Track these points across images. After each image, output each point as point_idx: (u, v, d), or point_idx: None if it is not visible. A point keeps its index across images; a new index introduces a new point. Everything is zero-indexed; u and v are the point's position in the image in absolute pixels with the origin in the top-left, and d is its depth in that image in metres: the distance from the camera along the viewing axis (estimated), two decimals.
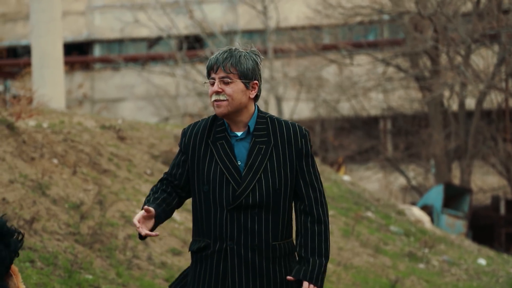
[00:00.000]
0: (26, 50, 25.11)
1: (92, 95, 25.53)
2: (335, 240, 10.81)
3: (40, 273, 6.63)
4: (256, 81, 3.90)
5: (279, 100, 22.09)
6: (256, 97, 3.92)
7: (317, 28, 22.38)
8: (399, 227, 12.46)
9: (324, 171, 14.52)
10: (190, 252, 3.95)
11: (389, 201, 14.89)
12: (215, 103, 3.86)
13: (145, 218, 3.79)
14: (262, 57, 3.96)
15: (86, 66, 26.07)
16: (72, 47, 25.39)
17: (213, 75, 3.87)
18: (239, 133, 3.90)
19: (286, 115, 22.59)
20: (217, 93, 3.84)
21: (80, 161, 9.60)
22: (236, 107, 3.86)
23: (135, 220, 3.77)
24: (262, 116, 3.93)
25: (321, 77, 23.17)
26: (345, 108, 22.91)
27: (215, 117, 3.95)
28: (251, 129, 3.89)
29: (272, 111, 22.26)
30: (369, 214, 12.61)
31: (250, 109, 3.91)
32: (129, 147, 10.88)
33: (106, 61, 25.50)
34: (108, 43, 26.52)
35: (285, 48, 21.48)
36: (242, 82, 3.86)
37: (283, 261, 3.88)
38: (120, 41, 26.26)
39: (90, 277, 7.00)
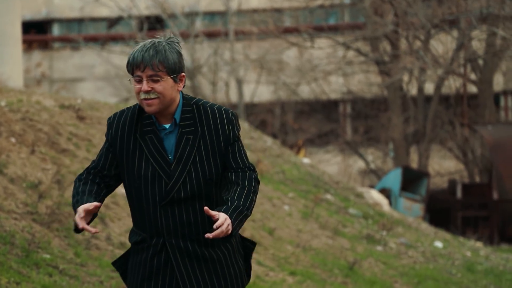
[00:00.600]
0: None
1: (50, 75, 25.27)
2: (294, 222, 10.86)
3: None
4: (183, 73, 3.80)
5: (239, 83, 22.08)
6: (183, 88, 3.84)
7: (278, 10, 22.37)
8: (357, 209, 12.55)
9: (284, 153, 14.56)
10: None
11: (348, 184, 14.99)
12: (145, 101, 3.73)
13: (87, 213, 3.70)
14: (181, 45, 3.83)
15: (45, 45, 25.77)
16: (30, 26, 25.08)
17: (138, 73, 3.70)
18: (167, 126, 3.79)
19: (246, 98, 22.59)
20: (147, 92, 3.71)
21: (38, 140, 9.51)
22: (167, 104, 3.75)
23: (81, 213, 3.65)
24: (187, 104, 3.81)
25: (281, 60, 23.21)
26: (305, 91, 22.98)
27: (140, 108, 3.82)
28: (177, 121, 3.79)
29: (233, 94, 22.25)
30: (328, 196, 12.69)
31: (176, 100, 3.80)
32: (89, 127, 10.79)
33: (65, 40, 25.24)
34: (67, 22, 26.24)
35: (246, 30, 21.46)
36: (171, 77, 3.74)
37: (223, 243, 3.82)
38: (79, 21, 26.00)
39: (48, 256, 6.95)
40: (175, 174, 3.74)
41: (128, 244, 7.83)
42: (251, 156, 12.00)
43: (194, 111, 3.80)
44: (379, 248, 11.05)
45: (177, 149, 3.76)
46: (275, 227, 10.27)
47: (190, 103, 3.81)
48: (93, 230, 3.67)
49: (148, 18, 23.28)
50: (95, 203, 3.68)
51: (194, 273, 3.78)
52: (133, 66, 3.73)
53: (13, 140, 9.17)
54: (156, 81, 3.70)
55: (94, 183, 3.81)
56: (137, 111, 3.80)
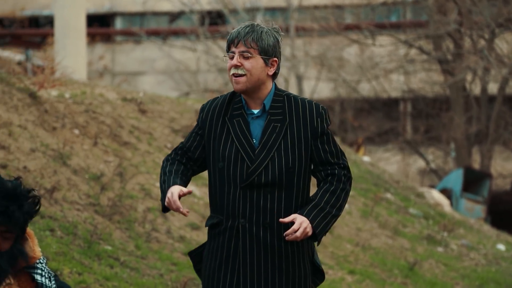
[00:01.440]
0: (48, 20, 25.12)
1: (112, 68, 25.52)
2: (354, 220, 10.76)
3: (60, 242, 6.63)
4: (275, 59, 3.85)
5: (299, 79, 22.00)
6: (275, 75, 3.87)
7: (339, 7, 22.22)
8: (418, 209, 12.39)
9: (344, 151, 14.45)
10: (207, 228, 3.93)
11: (409, 183, 14.82)
12: (234, 78, 3.81)
13: (180, 196, 3.77)
14: (283, 34, 3.92)
15: (108, 38, 26.04)
16: (93, 19, 25.36)
17: (233, 49, 3.82)
18: (255, 111, 3.85)
19: (306, 94, 22.50)
20: (236, 67, 3.80)
21: (101, 133, 9.59)
22: (254, 83, 3.81)
23: (177, 200, 3.71)
24: (279, 94, 3.87)
25: (342, 57, 23.04)
26: (366, 89, 22.79)
27: (233, 94, 3.91)
28: (267, 107, 3.84)
29: (293, 90, 22.18)
30: (389, 195, 12.55)
31: (268, 86, 3.86)
32: (150, 120, 10.85)
33: (127, 34, 25.46)
34: (130, 16, 26.47)
35: (307, 27, 21.36)
36: (262, 58, 3.81)
37: (296, 240, 3.78)
38: (141, 15, 26.19)
39: (109, 248, 7.00)
40: (258, 158, 3.78)
41: (189, 238, 7.85)
42: None
43: (284, 101, 3.86)
44: (440, 249, 10.88)
45: (263, 135, 3.81)
46: (335, 225, 10.19)
47: (282, 94, 3.88)
48: (186, 211, 3.74)
49: (209, 13, 23.34)
50: (187, 190, 3.76)
51: (258, 264, 3.77)
52: (229, 42, 3.85)
53: (76, 131, 9.26)
54: (247, 58, 3.80)
55: (181, 163, 3.91)
56: (230, 95, 3.91)
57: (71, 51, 14.57)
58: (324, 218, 3.72)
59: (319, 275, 3.94)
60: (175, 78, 23.68)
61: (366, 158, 15.03)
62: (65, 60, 12.79)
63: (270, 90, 3.86)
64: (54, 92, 10.05)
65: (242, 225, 3.77)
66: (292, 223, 3.71)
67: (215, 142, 3.84)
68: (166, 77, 24.23)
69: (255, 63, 3.80)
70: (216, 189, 3.84)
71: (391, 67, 20.61)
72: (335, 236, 9.83)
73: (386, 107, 23.47)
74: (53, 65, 10.33)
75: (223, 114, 3.86)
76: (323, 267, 8.85)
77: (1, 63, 10.29)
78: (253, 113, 3.85)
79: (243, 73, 3.79)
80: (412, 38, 19.57)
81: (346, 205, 11.73)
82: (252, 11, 23.08)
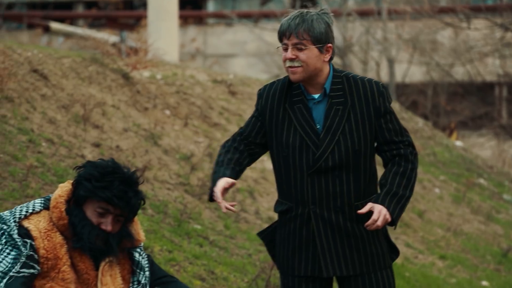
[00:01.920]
0: (142, 2, 25.48)
1: (204, 50, 25.73)
2: (445, 205, 10.59)
3: (151, 220, 6.73)
4: (330, 44, 3.77)
5: (391, 62, 21.72)
6: (331, 59, 3.80)
7: None
8: None
9: (436, 135, 14.22)
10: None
11: (503, 169, 14.49)
12: (290, 69, 3.74)
13: (225, 189, 3.76)
14: (332, 18, 3.81)
15: (200, 20, 26.26)
16: (186, 2, 25.60)
17: (285, 41, 3.74)
18: (316, 96, 3.79)
19: (398, 78, 22.22)
20: (291, 59, 3.73)
21: (191, 114, 9.68)
22: (311, 73, 3.75)
23: (219, 194, 3.72)
24: (337, 76, 3.80)
25: (435, 40, 22.63)
26: (459, 72, 22.33)
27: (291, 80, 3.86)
28: (327, 91, 3.78)
29: (384, 73, 21.93)
30: (481, 181, 12.29)
31: (325, 71, 3.79)
32: (240, 102, 10.90)
33: (219, 17, 25.62)
34: None
35: (399, 10, 21.04)
36: (316, 47, 3.73)
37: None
38: None
39: (199, 227, 7.06)
40: (323, 143, 3.73)
41: (276, 219, 7.86)
42: None
43: (344, 82, 3.79)
44: None
45: (326, 119, 3.75)
46: (425, 209, 10.04)
47: (340, 75, 3.81)
48: (234, 209, 3.74)
49: None
50: (232, 181, 3.73)
51: (336, 247, 3.76)
52: (280, 35, 3.77)
53: (167, 112, 9.37)
54: (300, 50, 3.72)
55: (238, 151, 3.86)
56: (287, 82, 3.84)
57: (163, 33, 14.74)
58: (399, 202, 3.70)
59: (395, 250, 3.92)
60: (266, 61, 23.72)
61: (458, 143, 14.75)
62: (158, 42, 12.95)
63: (328, 73, 3.80)
64: (146, 73, 10.19)
65: (313, 211, 3.75)
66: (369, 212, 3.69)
67: (277, 130, 3.80)
68: (257, 60, 24.29)
69: (310, 54, 3.72)
70: (282, 176, 3.82)
71: (486, 50, 20.12)
72: (425, 221, 9.69)
73: (481, 91, 22.96)
74: (146, 47, 10.48)
75: (282, 101, 3.81)
76: (413, 251, 8.76)
77: (96, 44, 10.47)
78: (313, 98, 3.79)
79: (299, 65, 3.73)
80: (509, 22, 19.03)
81: (437, 190, 11.55)
82: None
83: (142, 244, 3.82)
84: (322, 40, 3.73)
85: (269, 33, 23.61)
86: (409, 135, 3.85)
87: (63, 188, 3.67)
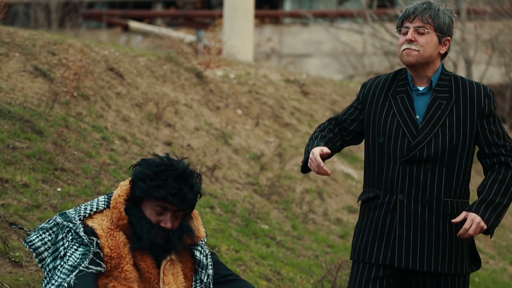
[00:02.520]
0: (219, 2, 25.70)
1: (280, 50, 25.80)
2: None
3: (219, 219, 6.81)
4: (449, 38, 3.84)
5: (469, 63, 21.40)
6: (445, 54, 3.84)
7: None
8: None
9: None
10: (359, 202, 3.91)
11: None
12: (406, 51, 3.79)
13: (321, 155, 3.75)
14: (455, 16, 3.88)
15: (276, 20, 26.33)
16: (263, 1, 25.71)
17: (407, 24, 3.81)
18: (420, 88, 3.83)
19: (475, 79, 21.87)
20: (410, 42, 3.78)
21: (263, 113, 9.74)
22: (426, 59, 3.79)
23: (317, 154, 3.70)
24: (446, 74, 3.85)
25: None
26: None
27: (398, 72, 3.90)
28: (433, 85, 3.81)
29: (461, 74, 21.60)
30: None
31: (436, 64, 3.84)
32: (312, 102, 10.91)
33: (295, 16, 25.65)
34: None
35: (479, 10, 20.71)
36: (437, 35, 3.79)
37: (453, 218, 3.72)
38: None
39: (266, 227, 7.12)
40: (421, 134, 3.75)
41: (345, 221, 7.85)
42: None
43: (451, 80, 3.84)
44: None
45: (428, 111, 3.78)
46: None
47: (449, 74, 3.88)
48: (328, 171, 3.73)
49: None
50: (327, 150, 3.74)
51: (415, 240, 3.73)
52: (403, 18, 3.84)
53: (239, 112, 9.46)
54: (422, 34, 3.78)
55: (332, 132, 3.93)
56: (394, 73, 3.92)
57: (238, 32, 14.85)
58: (495, 211, 3.66)
59: (476, 261, 3.87)
60: (341, 61, 23.64)
61: None
62: (232, 41, 13.08)
63: (437, 68, 3.84)
64: (219, 72, 10.30)
65: (400, 200, 3.73)
66: (463, 220, 3.67)
67: (375, 117, 3.84)
68: (332, 60, 24.23)
69: (430, 40, 3.79)
70: (374, 164, 3.83)
71: None
72: (498, 225, 9.55)
73: None
74: (219, 46, 10.59)
75: (385, 90, 3.86)
76: (484, 256, 8.64)
77: (171, 43, 10.64)
78: (418, 90, 3.83)
79: (417, 49, 3.78)
80: None
81: None
82: None
83: (203, 241, 3.81)
84: (444, 31, 3.81)
85: (345, 33, 23.54)
86: (510, 139, 3.81)
87: (123, 187, 3.71)
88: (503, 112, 21.81)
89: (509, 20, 20.32)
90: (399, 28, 3.84)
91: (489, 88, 3.85)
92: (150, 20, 25.78)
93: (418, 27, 3.78)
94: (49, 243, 3.66)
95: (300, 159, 8.94)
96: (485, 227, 3.63)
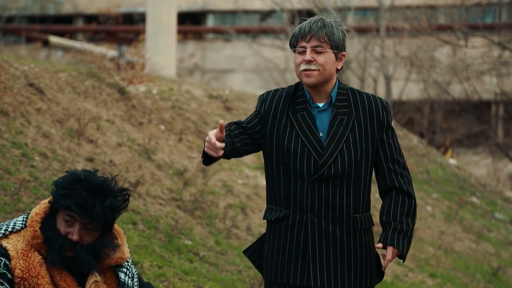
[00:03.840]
0: (141, 17, 25.60)
1: (203, 65, 25.83)
2: (437, 223, 10.64)
3: (142, 235, 6.78)
4: (344, 53, 3.84)
5: (388, 79, 21.80)
6: (340, 69, 3.87)
7: (432, 7, 21.89)
8: (504, 214, 12.15)
9: (430, 153, 14.28)
10: (266, 221, 3.89)
11: (496, 187, 14.54)
12: (305, 72, 3.77)
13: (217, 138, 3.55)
14: (345, 28, 3.89)
15: (199, 36, 26.37)
16: (186, 17, 25.73)
17: (303, 44, 3.78)
18: (320, 104, 3.83)
19: (395, 95, 22.29)
20: (309, 62, 3.76)
21: (186, 129, 9.75)
22: (326, 78, 3.79)
23: (212, 135, 3.52)
24: (342, 88, 3.86)
25: (433, 57, 22.72)
26: (456, 90, 22.40)
27: (296, 87, 3.88)
28: (333, 100, 3.82)
29: (381, 90, 22.02)
30: (474, 199, 12.34)
31: (334, 80, 3.85)
32: (235, 117, 10.96)
33: (218, 32, 25.73)
34: (221, 14, 26.73)
35: (398, 27, 21.13)
36: (334, 52, 3.79)
37: (363, 234, 3.82)
38: (233, 13, 26.43)
39: (190, 243, 7.11)
40: (327, 151, 3.75)
41: None
42: None
43: (348, 94, 3.85)
44: None
45: (331, 128, 3.78)
46: (416, 227, 10.09)
47: (345, 87, 3.87)
48: (221, 145, 3.48)
49: (299, 12, 23.37)
50: (215, 131, 3.53)
51: (328, 259, 3.77)
52: (298, 37, 3.79)
53: (162, 127, 9.44)
54: (319, 53, 3.77)
55: (238, 129, 3.78)
56: (293, 89, 3.86)
57: (161, 48, 14.83)
58: (407, 237, 3.80)
59: (380, 273, 3.95)
60: (264, 76, 23.81)
61: (452, 161, 14.81)
62: (155, 56, 13.05)
63: (335, 83, 3.85)
64: (142, 88, 10.27)
65: (311, 219, 3.75)
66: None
67: (278, 136, 3.79)
68: (255, 75, 24.38)
69: (328, 58, 3.78)
70: (280, 182, 3.80)
71: (483, 69, 20.20)
72: (417, 239, 9.73)
73: (477, 109, 23.04)
74: (143, 61, 10.56)
75: (286, 108, 3.81)
76: (404, 269, 8.79)
77: (92, 58, 10.56)
78: (318, 107, 3.82)
79: (316, 68, 3.76)
80: (506, 40, 19.12)
81: (429, 208, 11.58)
82: (343, 10, 23.00)
83: (129, 262, 3.74)
84: (339, 47, 3.81)
85: (267, 49, 23.72)
86: (402, 155, 3.90)
87: (42, 206, 3.64)
88: (422, 128, 22.27)
89: (427, 37, 20.80)
90: (294, 47, 3.81)
91: (385, 100, 3.88)
92: (71, 35, 25.49)
93: (316, 46, 3.76)
94: None
95: (223, 175, 8.97)
96: (401, 254, 3.79)
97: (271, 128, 3.82)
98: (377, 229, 9.02)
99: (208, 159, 3.67)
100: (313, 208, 3.75)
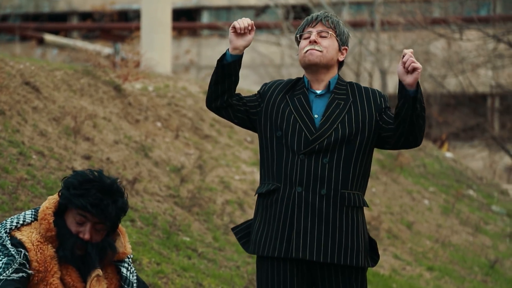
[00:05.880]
0: (136, 14, 25.57)
1: (198, 61, 25.83)
2: (434, 217, 10.66)
3: (140, 232, 6.79)
4: (346, 47, 3.98)
5: (383, 73, 21.83)
6: (341, 64, 3.99)
7: (427, 1, 21.91)
8: (501, 207, 12.18)
9: (426, 147, 14.31)
10: (257, 195, 3.95)
11: (493, 180, 14.57)
12: (309, 51, 3.91)
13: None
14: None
15: (194, 32, 26.36)
16: (181, 13, 25.71)
17: (309, 29, 3.95)
18: (318, 91, 3.95)
19: (390, 89, 22.32)
20: (314, 43, 3.91)
21: (182, 126, 9.75)
22: (328, 61, 3.92)
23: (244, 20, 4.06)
24: (342, 81, 3.99)
25: (428, 51, 22.75)
26: (452, 84, 22.43)
27: (297, 80, 4.01)
28: (331, 87, 3.94)
29: (376, 84, 22.05)
30: (471, 192, 12.37)
31: (334, 71, 3.98)
32: None
33: (213, 28, 25.73)
34: (216, 10, 26.72)
35: (392, 21, 21.15)
36: (337, 40, 3.94)
37: (352, 212, 3.83)
38: (228, 9, 26.42)
39: (188, 239, 7.13)
40: (321, 129, 3.84)
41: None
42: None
43: (347, 86, 3.97)
44: None
45: (327, 109, 3.89)
46: (413, 221, 10.12)
47: (345, 81, 4.00)
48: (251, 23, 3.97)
49: (294, 7, 23.37)
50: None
51: (312, 231, 3.80)
52: (304, 25, 3.98)
53: (159, 124, 9.45)
54: (324, 37, 3.93)
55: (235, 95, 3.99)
56: (296, 79, 4.01)
57: (156, 44, 14.83)
58: (421, 97, 3.82)
59: (375, 256, 3.95)
60: (259, 72, 23.82)
61: (448, 154, 14.84)
62: (151, 53, 13.05)
63: (335, 75, 3.98)
64: (138, 85, 10.27)
65: (298, 192, 3.81)
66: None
67: (272, 113, 3.91)
68: (250, 71, 24.38)
69: (332, 43, 3.93)
70: (273, 157, 3.89)
71: (478, 61, 20.23)
72: (414, 232, 9.76)
73: (473, 102, 23.07)
74: (138, 58, 10.55)
75: (284, 92, 3.95)
76: (401, 262, 8.81)
77: (88, 56, 10.55)
78: (315, 92, 3.95)
79: (320, 49, 3.90)
80: (501, 33, 19.14)
81: (426, 201, 11.58)
82: (337, 5, 23.00)
83: (130, 258, 3.81)
84: (343, 39, 3.97)
85: (262, 45, 23.72)
86: None
87: (51, 200, 3.69)
88: None
89: (421, 30, 20.81)
90: (299, 36, 3.96)
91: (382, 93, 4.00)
92: (66, 33, 25.47)
93: (321, 31, 3.93)
94: None
95: (220, 171, 8.98)
96: (420, 68, 3.72)
97: (266, 105, 3.94)
98: (374, 223, 8.96)
99: (224, 63, 3.92)
100: (301, 181, 3.82)
